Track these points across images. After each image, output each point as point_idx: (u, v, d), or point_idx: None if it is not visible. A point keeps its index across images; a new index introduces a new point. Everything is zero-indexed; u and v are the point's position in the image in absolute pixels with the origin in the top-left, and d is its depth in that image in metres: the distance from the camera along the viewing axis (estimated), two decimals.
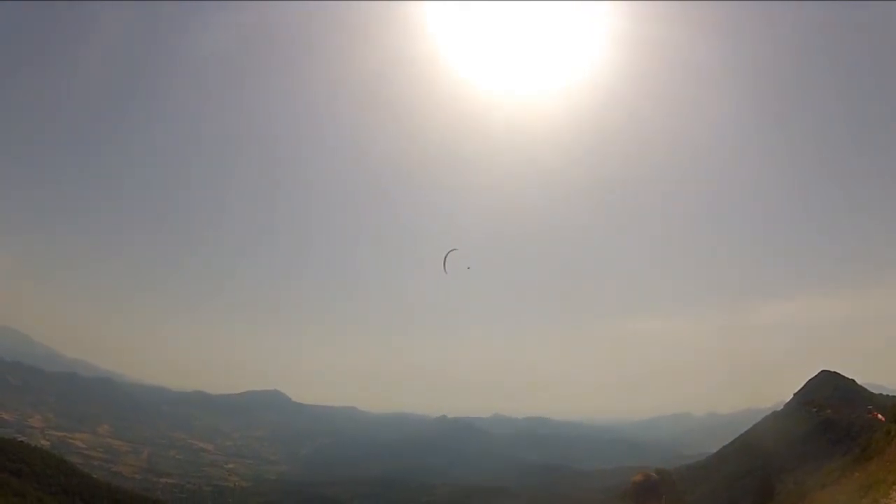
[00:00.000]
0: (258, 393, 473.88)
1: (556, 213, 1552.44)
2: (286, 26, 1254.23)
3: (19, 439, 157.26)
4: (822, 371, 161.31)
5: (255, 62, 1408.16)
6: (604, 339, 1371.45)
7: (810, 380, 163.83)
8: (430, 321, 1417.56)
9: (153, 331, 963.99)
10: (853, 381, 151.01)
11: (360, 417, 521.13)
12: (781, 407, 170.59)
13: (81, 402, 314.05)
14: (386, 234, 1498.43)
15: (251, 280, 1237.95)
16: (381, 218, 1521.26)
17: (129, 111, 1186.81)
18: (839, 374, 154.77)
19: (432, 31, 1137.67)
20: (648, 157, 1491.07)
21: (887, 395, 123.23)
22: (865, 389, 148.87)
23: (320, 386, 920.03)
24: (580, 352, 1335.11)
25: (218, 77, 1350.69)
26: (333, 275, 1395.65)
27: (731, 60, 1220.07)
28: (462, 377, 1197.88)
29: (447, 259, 50.72)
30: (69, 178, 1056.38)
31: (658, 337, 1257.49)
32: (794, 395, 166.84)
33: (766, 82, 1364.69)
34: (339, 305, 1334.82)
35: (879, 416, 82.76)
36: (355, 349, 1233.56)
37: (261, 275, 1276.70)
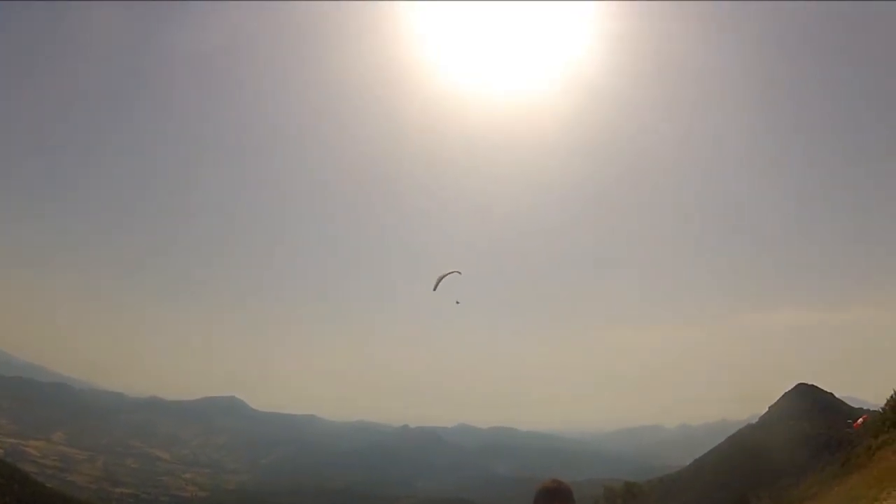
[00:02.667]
0: (215, 399, 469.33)
1: (533, 219, 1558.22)
2: (269, 26, 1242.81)
3: None
4: (799, 384, 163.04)
5: (238, 64, 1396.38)
6: (574, 349, 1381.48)
7: (787, 392, 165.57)
8: (392, 328, 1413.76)
9: (108, 334, 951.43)
10: (831, 394, 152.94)
11: (320, 425, 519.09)
12: (756, 420, 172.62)
13: (35, 407, 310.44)
14: (353, 238, 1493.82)
15: (208, 284, 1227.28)
16: (351, 222, 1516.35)
17: (90, 110, 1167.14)
18: (817, 386, 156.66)
19: (418, 32, 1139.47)
20: (630, 165, 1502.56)
21: (867, 410, 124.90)
22: (844, 403, 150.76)
23: (279, 392, 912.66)
24: (549, 361, 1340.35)
25: (193, 80, 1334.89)
26: (293, 279, 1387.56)
27: (722, 62, 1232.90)
28: (426, 385, 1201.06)
29: (441, 280, 50.14)
30: (23, 177, 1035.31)
31: (630, 348, 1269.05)
32: (770, 407, 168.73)
33: (752, 92, 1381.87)
34: (297, 310, 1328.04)
35: (860, 420, 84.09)
36: (314, 355, 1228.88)
37: (218, 279, 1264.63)
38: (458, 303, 55.42)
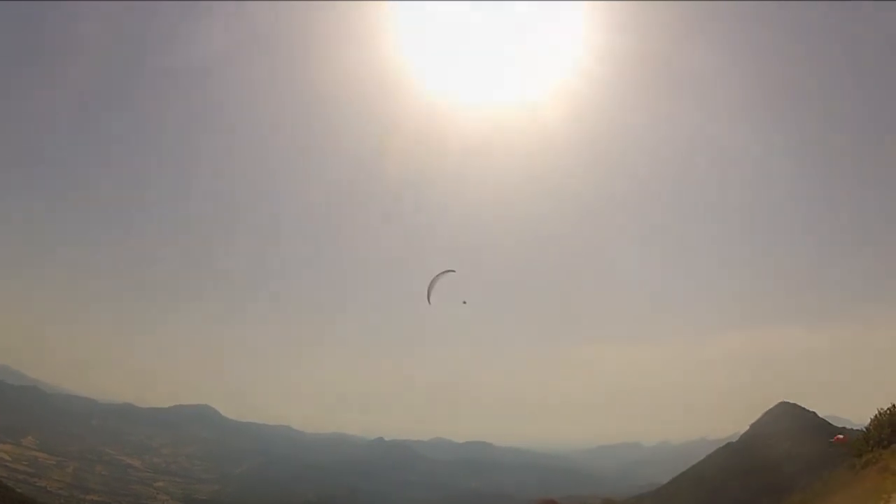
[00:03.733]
0: (188, 407, 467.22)
1: (516, 231, 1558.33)
2: (247, 30, 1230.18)
3: None
4: (781, 402, 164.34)
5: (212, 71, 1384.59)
6: (552, 366, 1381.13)
7: (768, 411, 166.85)
8: (370, 338, 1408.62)
9: (82, 339, 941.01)
10: (814, 413, 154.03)
11: (294, 437, 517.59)
12: (738, 438, 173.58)
13: (6, 411, 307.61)
14: (330, 246, 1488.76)
15: (184, 291, 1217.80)
16: (328, 230, 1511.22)
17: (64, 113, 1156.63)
18: (798, 405, 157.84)
19: (405, 36, 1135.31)
20: (617, 178, 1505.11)
21: (851, 429, 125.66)
22: (827, 422, 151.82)
23: (252, 402, 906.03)
24: (527, 377, 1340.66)
25: (176, 85, 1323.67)
26: (269, 289, 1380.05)
27: (716, 66, 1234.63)
28: (402, 398, 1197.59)
29: (433, 286, 48.87)
30: None
31: (608, 364, 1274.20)
32: (751, 425, 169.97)
33: (745, 101, 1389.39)
34: (272, 319, 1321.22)
35: (840, 437, 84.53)
36: (290, 365, 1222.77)
37: (193, 286, 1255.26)
38: (464, 303, 54.76)
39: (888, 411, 60.76)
